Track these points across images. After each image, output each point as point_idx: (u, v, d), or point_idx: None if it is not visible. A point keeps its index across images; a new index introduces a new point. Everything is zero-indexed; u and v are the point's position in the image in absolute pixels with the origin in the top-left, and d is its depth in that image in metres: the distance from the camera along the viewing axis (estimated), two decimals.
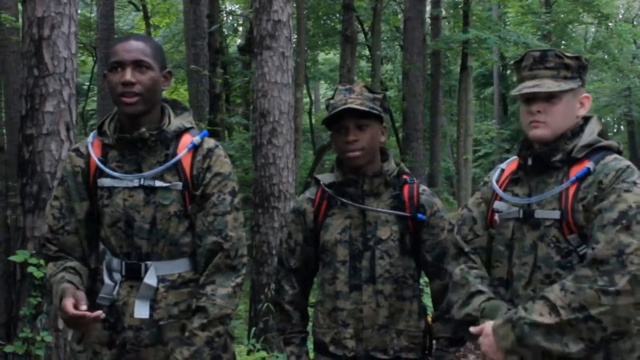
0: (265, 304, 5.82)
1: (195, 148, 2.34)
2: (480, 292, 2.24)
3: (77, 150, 2.41)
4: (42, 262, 4.46)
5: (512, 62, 2.43)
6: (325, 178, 2.62)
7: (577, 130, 2.22)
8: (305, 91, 16.49)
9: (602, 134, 2.22)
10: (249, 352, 5.38)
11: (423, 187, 2.62)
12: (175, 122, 2.37)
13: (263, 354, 5.58)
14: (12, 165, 5.34)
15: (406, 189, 2.57)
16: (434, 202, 2.58)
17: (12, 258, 4.51)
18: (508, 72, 24.51)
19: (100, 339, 2.32)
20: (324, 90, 26.68)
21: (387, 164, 2.59)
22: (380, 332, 2.51)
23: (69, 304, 2.14)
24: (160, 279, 2.29)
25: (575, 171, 2.14)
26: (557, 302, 1.99)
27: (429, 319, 2.61)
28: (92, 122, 19.57)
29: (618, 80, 25.60)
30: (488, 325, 2.12)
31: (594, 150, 2.18)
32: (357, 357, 2.52)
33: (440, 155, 15.86)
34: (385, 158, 2.61)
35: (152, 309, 2.28)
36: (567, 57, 2.20)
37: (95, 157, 2.33)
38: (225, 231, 2.30)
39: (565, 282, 2.01)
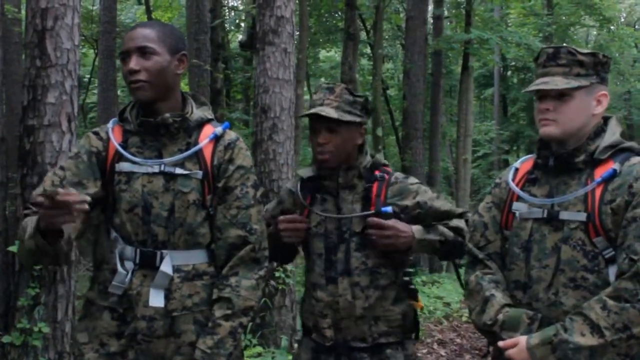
0: (263, 300, 5.82)
1: (217, 138, 2.34)
2: (493, 296, 2.19)
3: (96, 133, 2.38)
4: None
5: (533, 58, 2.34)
6: (305, 172, 2.65)
7: (599, 130, 2.16)
8: (305, 88, 16.47)
9: (623, 135, 2.16)
10: (245, 348, 5.39)
11: (396, 175, 2.60)
12: (198, 112, 2.37)
13: (259, 349, 5.60)
14: (13, 155, 5.34)
15: (375, 185, 2.57)
16: (409, 190, 2.56)
17: (10, 248, 4.51)
18: (509, 73, 24.50)
19: (108, 329, 2.28)
20: None
21: (361, 157, 2.60)
22: (358, 322, 2.54)
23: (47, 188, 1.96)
24: (175, 269, 2.26)
25: (600, 172, 2.08)
26: (600, 322, 1.95)
27: (421, 304, 2.62)
28: (92, 114, 19.51)
29: (618, 83, 25.56)
30: (522, 341, 2.06)
31: (618, 151, 2.12)
32: (336, 345, 2.55)
33: (440, 155, 15.84)
34: (361, 151, 2.62)
35: (167, 299, 2.25)
36: (581, 53, 2.13)
37: (115, 141, 2.30)
38: (250, 224, 2.30)
39: (607, 301, 1.97)
